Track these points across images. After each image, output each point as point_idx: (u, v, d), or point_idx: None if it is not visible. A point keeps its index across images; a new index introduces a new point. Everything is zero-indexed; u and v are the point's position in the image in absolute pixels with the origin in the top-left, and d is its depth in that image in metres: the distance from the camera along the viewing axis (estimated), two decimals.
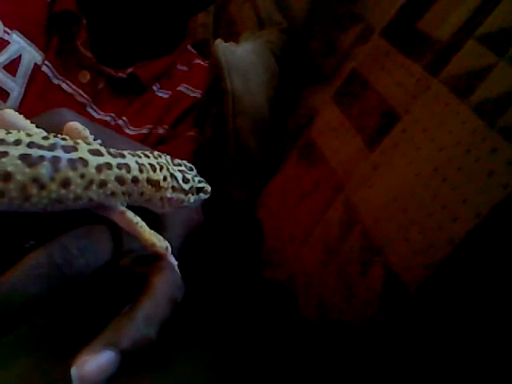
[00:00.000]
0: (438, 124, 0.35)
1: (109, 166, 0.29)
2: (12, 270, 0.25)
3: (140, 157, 0.32)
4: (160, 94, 0.64)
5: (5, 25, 0.55)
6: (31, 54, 0.57)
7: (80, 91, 0.59)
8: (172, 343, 0.41)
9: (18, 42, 0.56)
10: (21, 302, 0.25)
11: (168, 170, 0.34)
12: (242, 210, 0.54)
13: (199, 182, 0.36)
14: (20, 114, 0.30)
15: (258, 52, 0.57)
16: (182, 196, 0.34)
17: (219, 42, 0.55)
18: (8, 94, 0.56)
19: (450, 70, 0.36)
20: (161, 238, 0.32)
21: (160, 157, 0.34)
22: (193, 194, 0.35)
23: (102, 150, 0.30)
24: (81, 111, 0.59)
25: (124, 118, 0.61)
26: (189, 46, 0.71)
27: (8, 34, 0.56)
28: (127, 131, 0.61)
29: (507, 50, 0.33)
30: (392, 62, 0.42)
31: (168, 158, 0.35)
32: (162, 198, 0.33)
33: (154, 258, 0.31)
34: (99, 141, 0.33)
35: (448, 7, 0.40)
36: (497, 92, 0.32)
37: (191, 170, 0.37)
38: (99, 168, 0.29)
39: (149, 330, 0.27)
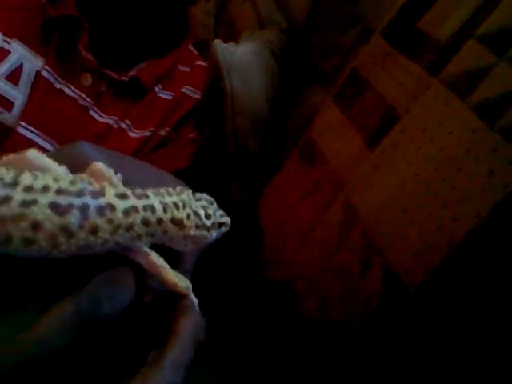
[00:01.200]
0: (438, 124, 0.35)
1: (135, 209, 0.29)
2: (40, 322, 0.25)
3: (163, 196, 0.31)
4: (163, 96, 0.64)
5: (4, 34, 0.55)
6: (32, 62, 0.56)
7: (82, 94, 0.59)
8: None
9: (18, 51, 0.56)
10: (49, 352, 0.25)
11: (191, 207, 0.33)
12: (242, 211, 0.54)
13: (220, 216, 0.36)
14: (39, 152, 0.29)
15: (257, 52, 0.57)
16: (205, 233, 0.34)
17: (218, 42, 0.55)
18: (12, 103, 0.56)
19: (449, 70, 0.36)
20: (182, 277, 0.32)
21: (182, 193, 0.33)
22: (215, 229, 0.35)
23: (128, 192, 0.30)
24: (83, 114, 0.59)
25: (127, 121, 0.61)
26: (191, 47, 0.71)
27: (8, 43, 0.55)
28: (130, 134, 0.61)
29: (507, 50, 0.33)
30: (392, 62, 0.42)
31: (189, 192, 0.34)
32: (185, 237, 0.33)
33: (176, 297, 0.31)
34: (119, 175, 0.32)
35: (448, 7, 0.40)
36: (497, 92, 0.32)
37: (212, 203, 0.36)
38: (126, 212, 0.29)
39: (175, 377, 0.27)
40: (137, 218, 0.29)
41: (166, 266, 0.31)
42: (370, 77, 0.44)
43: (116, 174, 0.31)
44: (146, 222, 0.30)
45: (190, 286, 0.32)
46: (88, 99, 0.59)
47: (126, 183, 0.31)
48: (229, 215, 0.36)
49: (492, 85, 0.33)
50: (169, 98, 0.64)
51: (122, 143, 0.60)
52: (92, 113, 0.60)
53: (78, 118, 0.58)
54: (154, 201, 0.31)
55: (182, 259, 0.35)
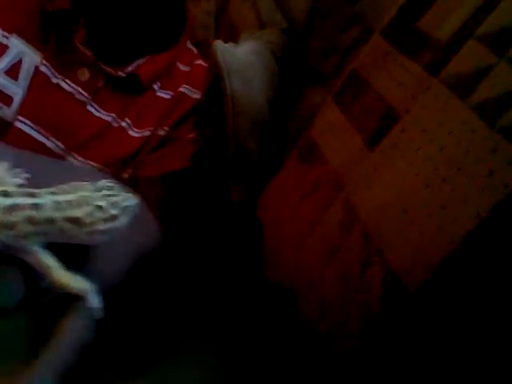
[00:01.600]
0: (438, 124, 0.35)
1: (19, 207, 0.29)
2: None
3: (56, 194, 0.31)
4: (161, 95, 0.64)
5: (3, 29, 0.56)
6: (31, 57, 0.57)
7: (79, 89, 0.59)
8: (174, 344, 0.41)
9: (17, 46, 0.56)
10: None
11: (92, 202, 0.33)
12: (241, 211, 0.54)
13: (125, 198, 0.36)
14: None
15: (257, 52, 0.57)
16: (114, 223, 0.34)
17: (218, 43, 0.55)
18: (12, 98, 0.56)
19: (449, 70, 0.36)
20: (78, 279, 0.31)
21: (81, 189, 0.33)
22: (123, 215, 0.35)
23: (12, 190, 0.29)
24: (81, 109, 0.59)
25: (127, 119, 0.61)
26: (190, 45, 0.70)
27: (7, 38, 0.56)
28: (131, 133, 0.61)
29: (507, 50, 0.33)
30: (392, 61, 0.42)
31: (92, 185, 0.34)
32: (90, 232, 0.32)
33: (73, 297, 0.31)
34: (25, 175, 0.32)
35: (448, 7, 0.39)
36: (497, 92, 0.32)
37: (114, 189, 0.36)
38: (8, 210, 0.28)
39: (49, 377, 0.28)
40: (20, 217, 0.29)
41: (57, 266, 0.31)
42: (370, 77, 0.44)
43: (23, 173, 0.31)
44: (31, 221, 0.29)
45: (89, 287, 0.31)
46: (85, 94, 0.59)
47: (33, 182, 0.30)
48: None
49: (492, 85, 0.33)
50: (167, 97, 0.64)
51: (122, 143, 0.60)
52: (90, 108, 0.60)
53: (76, 112, 0.58)
54: (44, 199, 0.30)
55: (89, 260, 0.34)
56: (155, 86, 0.63)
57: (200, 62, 0.68)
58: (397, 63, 0.42)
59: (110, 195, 0.34)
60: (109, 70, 0.60)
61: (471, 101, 0.33)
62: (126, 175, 0.60)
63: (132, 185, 0.61)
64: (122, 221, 0.34)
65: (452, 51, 0.37)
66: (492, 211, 0.29)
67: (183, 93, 0.64)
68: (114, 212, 0.34)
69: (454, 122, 0.34)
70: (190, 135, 0.63)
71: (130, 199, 0.36)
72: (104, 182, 0.35)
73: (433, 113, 0.36)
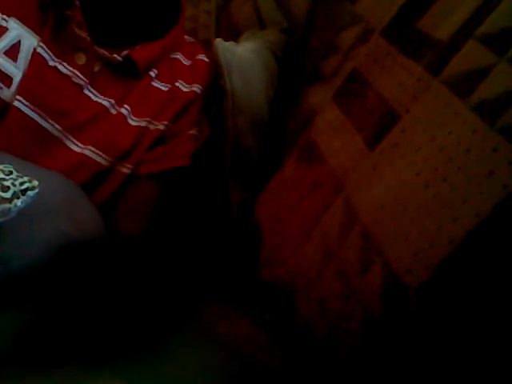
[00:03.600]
0: (438, 124, 0.35)
1: None
2: None
3: None
4: (158, 86, 0.64)
5: (2, 12, 0.56)
6: (29, 39, 0.57)
7: (77, 72, 0.59)
8: (171, 343, 0.41)
9: (16, 29, 0.57)
10: None
11: None
12: (240, 211, 0.54)
13: (21, 183, 0.37)
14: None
15: (257, 52, 0.57)
16: (6, 205, 0.35)
17: (219, 41, 0.55)
18: (11, 79, 0.56)
19: (450, 70, 0.36)
20: None
21: None
22: (18, 198, 0.36)
23: None
24: (78, 93, 0.59)
25: (126, 105, 0.61)
26: (192, 39, 0.71)
27: (6, 20, 0.56)
28: (129, 121, 0.61)
29: (507, 50, 0.33)
30: (392, 61, 0.42)
31: None
32: None
33: None
34: None
35: (448, 7, 0.40)
36: (497, 92, 0.32)
37: (10, 173, 0.37)
38: None
39: None
40: None
41: None
42: (370, 77, 0.44)
43: None
44: None
45: None
46: (83, 77, 0.59)
47: None
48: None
49: (492, 85, 0.33)
50: (164, 89, 0.64)
51: (121, 130, 0.60)
52: (87, 92, 0.60)
53: (73, 96, 0.59)
54: None
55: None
56: (152, 73, 0.63)
57: (202, 56, 0.68)
58: (397, 63, 0.42)
59: (3, 180, 0.36)
60: (104, 53, 0.60)
61: (471, 101, 0.33)
62: (125, 170, 0.60)
63: (130, 182, 0.61)
64: (17, 204, 0.36)
65: (452, 51, 0.37)
66: (492, 211, 0.29)
67: (180, 87, 0.64)
68: (5, 196, 0.35)
69: (454, 122, 0.34)
70: (191, 131, 0.63)
71: (27, 184, 0.37)
72: (1, 166, 0.37)
73: (433, 113, 0.36)
